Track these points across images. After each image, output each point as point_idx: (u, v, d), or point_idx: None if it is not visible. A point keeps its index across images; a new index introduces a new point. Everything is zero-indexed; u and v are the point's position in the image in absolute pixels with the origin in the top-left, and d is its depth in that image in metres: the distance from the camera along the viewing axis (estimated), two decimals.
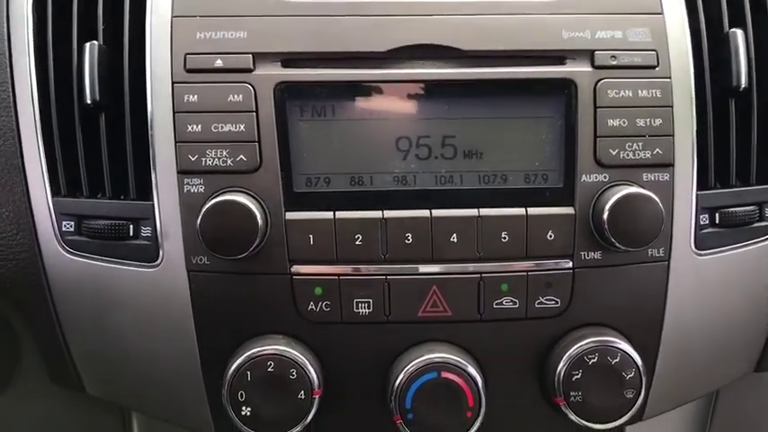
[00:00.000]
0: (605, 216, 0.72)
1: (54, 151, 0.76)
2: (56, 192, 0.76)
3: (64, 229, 0.77)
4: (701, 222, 0.78)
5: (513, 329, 0.76)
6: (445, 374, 0.73)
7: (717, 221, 0.78)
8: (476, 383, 0.73)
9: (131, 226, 0.76)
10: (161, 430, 0.85)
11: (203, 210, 0.70)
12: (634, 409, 0.74)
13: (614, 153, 0.73)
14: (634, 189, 0.72)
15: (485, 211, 0.74)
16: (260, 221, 0.71)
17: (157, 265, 0.75)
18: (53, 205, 0.76)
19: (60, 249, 0.77)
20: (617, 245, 0.72)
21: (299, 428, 0.73)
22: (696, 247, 0.78)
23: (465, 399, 0.73)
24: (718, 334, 0.80)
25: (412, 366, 0.73)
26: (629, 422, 0.80)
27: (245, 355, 0.72)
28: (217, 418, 0.77)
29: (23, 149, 0.76)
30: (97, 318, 0.77)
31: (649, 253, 0.76)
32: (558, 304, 0.76)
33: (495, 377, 0.75)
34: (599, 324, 0.77)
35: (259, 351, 0.72)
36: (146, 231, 0.76)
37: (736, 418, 0.93)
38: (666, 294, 0.77)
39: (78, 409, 0.88)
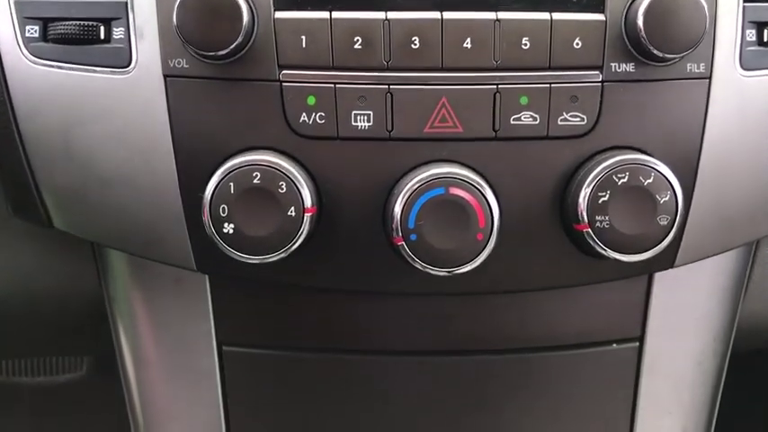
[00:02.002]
0: (640, 19, 0.63)
1: None
2: None
3: (28, 34, 0.68)
4: (748, 38, 0.69)
5: (532, 150, 0.67)
6: (454, 191, 0.64)
7: (765, 39, 0.69)
8: (488, 202, 0.64)
9: (102, 27, 0.67)
10: (137, 270, 0.76)
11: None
12: (667, 240, 0.65)
13: None
14: None
15: (504, 15, 0.65)
16: (245, 15, 0.62)
17: (131, 71, 0.67)
18: (15, 8, 0.68)
19: (24, 58, 0.68)
20: (652, 50, 0.63)
21: (287, 250, 0.64)
22: (741, 65, 0.68)
23: (475, 218, 0.64)
24: (763, 166, 0.71)
25: (416, 182, 0.64)
26: (660, 264, 0.72)
27: (229, 164, 0.64)
28: (197, 248, 0.69)
29: None
30: (65, 136, 0.69)
31: (688, 68, 0.67)
32: (584, 122, 0.67)
33: (510, 203, 0.67)
34: (629, 147, 0.68)
35: (244, 161, 0.64)
36: (118, 33, 0.67)
37: None
38: (706, 116, 0.68)
39: (46, 249, 0.80)
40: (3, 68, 0.69)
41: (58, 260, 0.81)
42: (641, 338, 0.77)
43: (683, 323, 0.79)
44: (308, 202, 0.64)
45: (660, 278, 0.76)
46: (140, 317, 0.78)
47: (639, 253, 0.66)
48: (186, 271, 0.73)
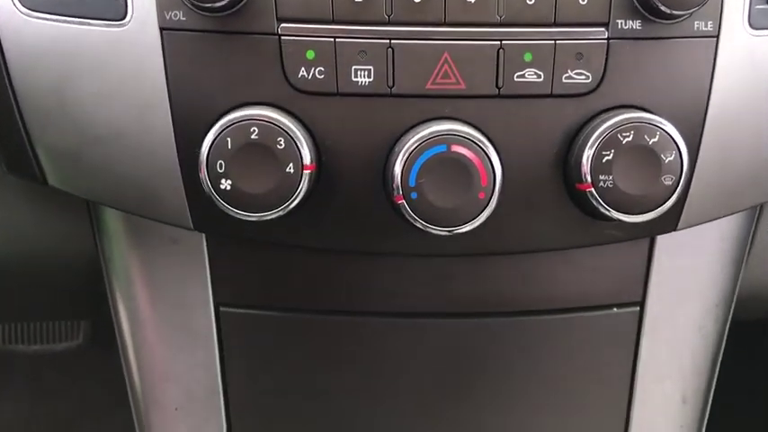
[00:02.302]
0: None
1: None
2: None
3: None
4: None
5: (535, 108, 0.66)
6: (456, 148, 0.63)
7: None
8: (490, 161, 0.63)
9: None
10: (133, 230, 0.75)
11: None
12: (671, 201, 0.64)
13: None
14: None
15: None
16: None
17: (126, 24, 0.65)
18: None
19: (17, 10, 0.67)
20: (659, 6, 0.62)
21: (286, 208, 0.63)
22: (750, 24, 0.67)
23: (477, 177, 0.63)
24: None
25: (417, 139, 0.63)
26: (663, 227, 0.71)
27: (226, 119, 0.63)
28: (193, 206, 0.68)
29: None
30: (59, 91, 0.68)
31: (696, 26, 0.66)
32: (589, 80, 0.65)
33: (513, 161, 0.65)
34: (634, 106, 0.66)
35: (242, 116, 0.63)
36: None
37: None
38: (713, 76, 0.67)
39: (42, 209, 0.79)
40: None
41: (54, 220, 0.80)
42: (642, 303, 0.76)
43: (685, 288, 0.78)
44: (306, 159, 0.63)
45: (662, 242, 0.76)
46: (137, 278, 0.78)
47: (643, 213, 0.65)
48: (183, 231, 0.72)
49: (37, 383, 1.81)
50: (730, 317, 0.83)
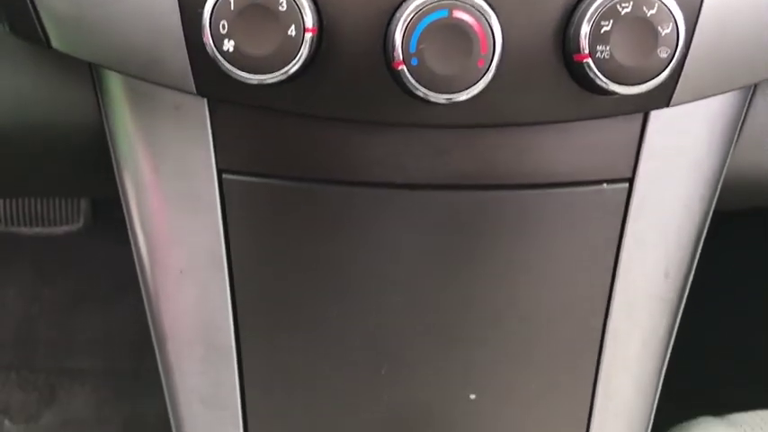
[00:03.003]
0: None
1: None
2: None
3: None
4: None
5: None
6: (457, 13, 0.64)
7: None
8: (491, 28, 0.64)
9: None
10: (136, 97, 0.76)
11: None
12: (666, 72, 0.66)
13: None
14: None
15: None
16: None
17: None
18: None
19: None
20: None
21: (287, 72, 0.64)
22: None
23: (478, 44, 0.64)
24: None
25: (419, 4, 0.63)
26: (657, 102, 0.72)
27: None
28: (196, 69, 0.69)
29: None
30: None
31: None
32: None
33: (513, 29, 0.66)
34: None
35: None
36: None
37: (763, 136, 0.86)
38: None
39: (46, 74, 0.80)
40: None
41: (58, 87, 0.81)
42: (632, 180, 0.78)
43: (674, 167, 0.81)
44: (308, 21, 0.64)
45: (654, 120, 0.77)
46: (140, 144, 0.79)
47: (638, 85, 0.66)
48: (185, 97, 0.73)
49: (39, 267, 1.85)
50: (716, 197, 0.85)
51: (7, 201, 1.69)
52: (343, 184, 0.77)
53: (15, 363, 1.79)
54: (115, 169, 0.83)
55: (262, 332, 0.83)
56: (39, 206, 1.67)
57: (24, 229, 1.70)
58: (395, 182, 0.77)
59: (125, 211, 0.84)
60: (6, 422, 1.73)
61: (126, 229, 0.85)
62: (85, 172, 0.97)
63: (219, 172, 0.76)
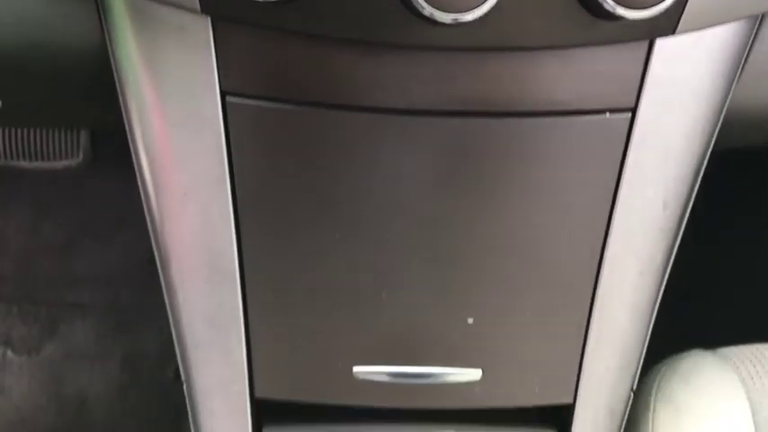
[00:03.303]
0: None
1: None
2: None
3: None
4: None
5: None
6: None
7: None
8: None
9: None
10: (139, 17, 0.76)
11: None
12: None
13: None
14: None
15: None
16: None
17: None
18: None
19: None
20: None
21: None
22: None
23: None
24: None
25: None
26: (663, 29, 0.72)
27: None
28: None
29: None
30: None
31: None
32: None
33: None
34: None
35: None
36: None
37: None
38: None
39: None
40: None
41: (60, 4, 0.80)
42: (634, 109, 0.79)
43: (677, 98, 0.81)
44: None
45: (659, 50, 0.77)
46: (143, 67, 0.79)
47: (644, 9, 0.66)
48: (189, 17, 0.73)
49: (38, 202, 1.86)
50: (717, 130, 0.86)
51: (7, 135, 1.69)
52: (346, 108, 0.77)
53: (17, 295, 1.81)
54: (119, 92, 0.83)
55: (264, 254, 0.84)
56: (39, 139, 1.67)
57: (24, 163, 1.70)
58: (398, 107, 0.77)
59: (128, 134, 0.84)
60: (9, 353, 1.76)
61: (125, 165, 0.86)
62: (89, 99, 0.96)
63: (223, 94, 0.77)
